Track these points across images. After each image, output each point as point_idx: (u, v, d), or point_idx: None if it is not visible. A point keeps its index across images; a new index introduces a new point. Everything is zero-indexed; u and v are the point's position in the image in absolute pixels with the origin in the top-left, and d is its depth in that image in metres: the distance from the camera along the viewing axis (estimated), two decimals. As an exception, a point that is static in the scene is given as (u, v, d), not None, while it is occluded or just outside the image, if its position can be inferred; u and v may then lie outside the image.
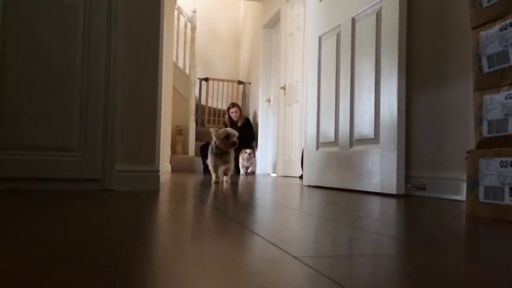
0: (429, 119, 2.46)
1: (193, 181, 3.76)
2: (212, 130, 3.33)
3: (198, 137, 7.41)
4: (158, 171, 2.32)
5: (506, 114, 1.41)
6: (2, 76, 2.16)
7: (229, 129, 3.37)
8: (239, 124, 6.77)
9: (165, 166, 6.26)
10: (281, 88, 6.16)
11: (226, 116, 7.10)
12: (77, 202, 1.66)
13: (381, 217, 1.47)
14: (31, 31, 2.19)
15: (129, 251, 0.76)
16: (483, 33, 1.51)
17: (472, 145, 1.98)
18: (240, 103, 7.83)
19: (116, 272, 0.62)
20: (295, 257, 0.75)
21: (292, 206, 1.73)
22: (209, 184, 3.19)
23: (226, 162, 3.36)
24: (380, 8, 2.61)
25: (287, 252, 0.78)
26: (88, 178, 2.23)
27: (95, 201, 1.70)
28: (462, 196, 2.11)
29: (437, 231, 1.16)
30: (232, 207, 1.63)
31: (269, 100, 7.04)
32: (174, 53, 7.22)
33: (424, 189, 2.44)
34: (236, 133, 3.31)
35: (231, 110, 6.91)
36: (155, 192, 2.18)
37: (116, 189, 2.23)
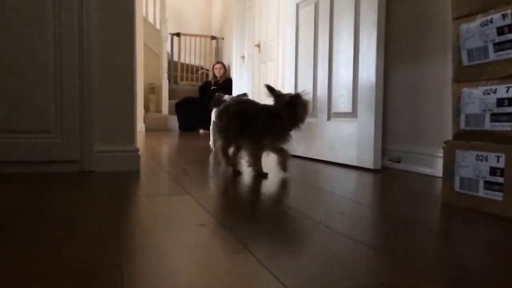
0: (405, 94, 2.50)
1: (172, 145, 3.74)
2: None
3: (171, 95, 7.31)
4: (138, 150, 2.31)
5: (484, 110, 1.45)
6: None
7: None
8: (220, 81, 6.72)
9: (138, 125, 6.19)
10: (255, 45, 6.07)
11: (211, 72, 7.11)
12: (54, 188, 1.65)
13: (355, 207, 1.53)
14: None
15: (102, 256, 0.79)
16: (464, 26, 1.52)
17: (446, 123, 2.05)
18: (213, 59, 7.70)
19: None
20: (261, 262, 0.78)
21: (266, 190, 1.76)
22: (188, 153, 3.18)
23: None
24: (360, -21, 2.56)
25: (252, 254, 0.82)
26: (67, 160, 2.21)
27: (72, 187, 1.71)
28: (435, 170, 2.20)
29: (412, 225, 1.22)
30: (208, 187, 1.66)
31: (243, 57, 6.93)
32: (143, 7, 6.97)
33: (399, 162, 2.52)
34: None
35: (216, 66, 6.88)
36: (136, 172, 2.18)
37: (96, 170, 2.21)
